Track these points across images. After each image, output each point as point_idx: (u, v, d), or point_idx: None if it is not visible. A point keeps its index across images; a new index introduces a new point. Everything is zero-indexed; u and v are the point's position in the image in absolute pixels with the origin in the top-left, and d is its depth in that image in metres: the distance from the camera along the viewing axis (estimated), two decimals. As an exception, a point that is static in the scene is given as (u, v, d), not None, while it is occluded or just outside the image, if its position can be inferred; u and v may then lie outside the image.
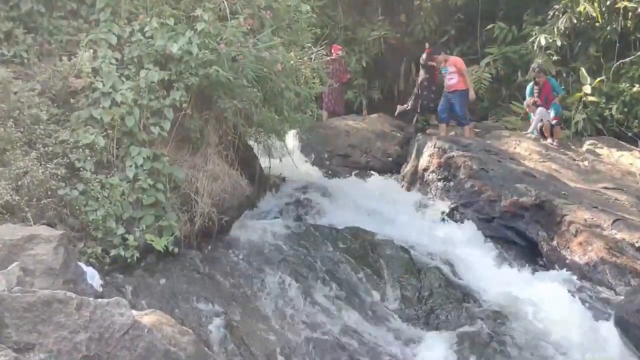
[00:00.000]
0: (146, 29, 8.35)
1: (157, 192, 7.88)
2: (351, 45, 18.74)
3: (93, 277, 6.77)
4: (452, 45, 17.79)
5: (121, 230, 7.53)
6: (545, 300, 8.51)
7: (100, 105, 7.82)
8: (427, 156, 12.66)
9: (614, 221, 9.71)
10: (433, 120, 16.31)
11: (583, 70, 14.80)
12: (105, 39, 8.23)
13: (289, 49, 10.34)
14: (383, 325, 7.86)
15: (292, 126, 11.41)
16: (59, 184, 7.23)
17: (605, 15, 14.83)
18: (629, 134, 14.28)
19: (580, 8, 14.68)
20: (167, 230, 7.90)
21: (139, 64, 8.27)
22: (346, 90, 17.92)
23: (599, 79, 14.75)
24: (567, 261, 9.65)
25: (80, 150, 7.54)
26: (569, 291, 8.80)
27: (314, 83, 11.27)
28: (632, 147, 13.65)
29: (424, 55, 15.86)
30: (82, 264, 6.78)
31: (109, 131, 7.81)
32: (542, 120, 13.79)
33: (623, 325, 7.64)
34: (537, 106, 13.86)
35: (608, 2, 14.70)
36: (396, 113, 16.53)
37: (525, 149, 13.22)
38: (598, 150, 13.43)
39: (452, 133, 14.69)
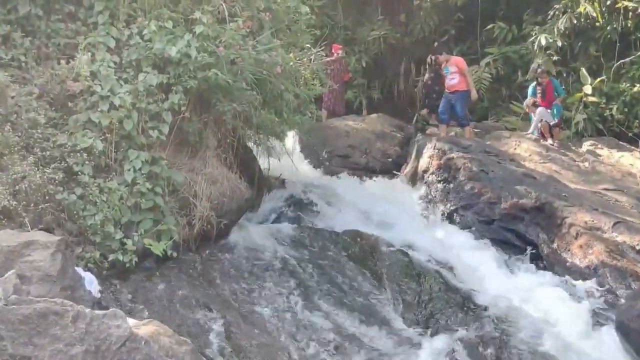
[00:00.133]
0: (144, 32, 8.33)
1: (156, 196, 7.87)
2: (351, 45, 18.66)
3: (91, 282, 6.74)
4: (452, 45, 17.69)
5: (119, 235, 7.53)
6: (545, 304, 8.51)
7: (99, 109, 7.82)
8: (427, 157, 12.61)
9: (615, 224, 9.67)
10: (433, 120, 16.29)
11: (583, 70, 14.75)
12: (103, 42, 8.23)
13: (288, 50, 10.31)
14: (383, 330, 7.80)
15: (292, 128, 11.36)
16: (57, 189, 7.23)
17: (606, 15, 14.78)
18: (630, 134, 14.23)
19: (581, 8, 14.63)
20: (165, 235, 7.90)
21: (137, 68, 8.26)
22: (346, 90, 17.87)
23: (599, 79, 14.70)
24: (567, 264, 9.60)
25: (78, 154, 7.54)
26: (570, 294, 8.77)
27: (313, 85, 11.23)
28: (633, 147, 13.61)
29: (432, 55, 15.88)
30: (80, 269, 6.74)
31: (107, 135, 7.81)
32: (542, 120, 13.75)
33: (624, 330, 7.60)
34: (537, 106, 13.82)
35: (608, 2, 14.64)
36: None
37: (525, 149, 13.17)
38: (598, 151, 13.39)
39: (452, 133, 14.64)
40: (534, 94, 13.92)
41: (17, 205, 6.82)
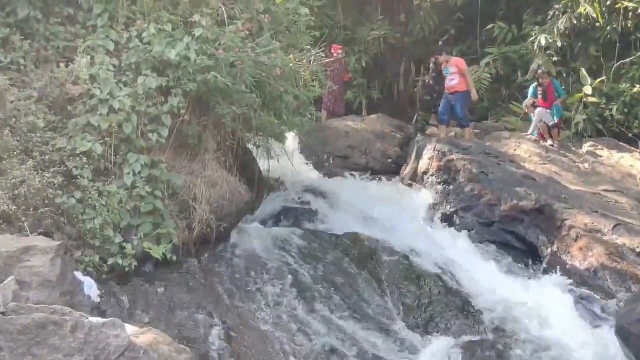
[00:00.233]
0: (144, 35, 8.30)
1: (155, 200, 7.84)
2: (351, 45, 18.65)
3: (90, 287, 6.74)
4: (452, 45, 17.68)
5: (119, 239, 7.51)
6: (545, 307, 8.49)
7: (98, 112, 7.79)
8: (427, 159, 12.59)
9: (615, 226, 9.67)
10: (433, 120, 16.30)
11: (583, 70, 14.74)
12: (102, 45, 8.19)
13: (287, 52, 10.29)
14: (383, 334, 7.81)
15: (292, 129, 11.36)
16: (56, 193, 7.21)
17: (606, 15, 14.77)
18: (630, 135, 14.23)
19: (581, 9, 14.61)
20: (165, 238, 7.87)
21: (136, 71, 8.24)
22: (346, 90, 17.86)
23: (599, 79, 14.69)
24: (567, 266, 9.59)
25: (78, 157, 7.51)
26: (570, 298, 8.76)
27: (313, 86, 11.22)
28: (633, 148, 13.61)
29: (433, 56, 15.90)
30: (79, 274, 6.74)
31: (106, 138, 7.78)
32: (541, 121, 13.73)
33: (623, 335, 7.60)
34: (536, 107, 13.80)
35: (608, 3, 14.63)
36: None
37: (525, 151, 13.18)
38: (598, 152, 13.40)
39: (452, 134, 14.64)
40: (535, 94, 13.91)
41: (16, 210, 6.81)
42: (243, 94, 8.64)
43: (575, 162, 12.95)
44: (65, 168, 7.43)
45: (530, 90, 14.13)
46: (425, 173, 12.55)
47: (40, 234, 6.88)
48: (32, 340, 3.88)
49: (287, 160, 11.62)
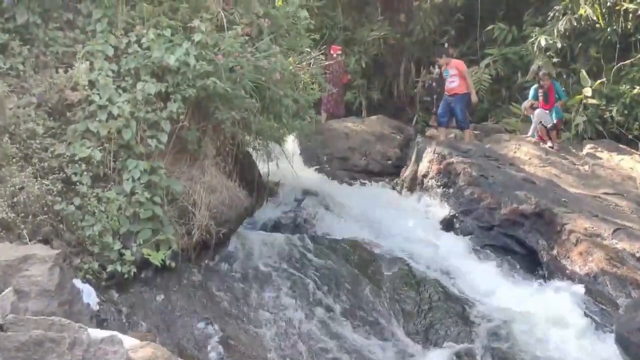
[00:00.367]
0: (143, 40, 8.26)
1: (155, 206, 7.82)
2: (350, 45, 18.66)
3: (89, 294, 6.73)
4: (454, 46, 17.64)
5: (118, 245, 7.49)
6: (545, 313, 8.50)
7: (97, 118, 7.77)
8: (427, 162, 12.57)
9: (615, 230, 9.65)
10: (432, 121, 16.29)
11: (584, 72, 14.71)
12: (102, 50, 8.15)
13: (287, 55, 10.27)
14: (383, 341, 7.82)
15: (291, 132, 11.35)
16: (55, 199, 7.19)
17: (606, 16, 14.74)
18: (630, 136, 14.23)
19: (581, 11, 14.58)
20: (164, 244, 7.85)
21: (135, 76, 8.20)
22: (345, 91, 17.84)
23: (599, 81, 14.67)
24: (567, 271, 9.56)
25: (77, 164, 7.51)
26: (569, 303, 8.75)
27: (312, 89, 11.20)
28: (633, 150, 13.58)
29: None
30: (78, 281, 6.74)
31: (105, 144, 7.77)
32: (540, 122, 13.71)
33: (623, 343, 7.57)
34: (534, 109, 13.78)
35: (608, 4, 14.61)
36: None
37: (525, 153, 13.15)
38: (598, 154, 13.36)
39: (452, 135, 14.62)
40: (535, 96, 13.87)
41: (15, 217, 6.80)
42: (242, 98, 8.61)
43: (575, 164, 12.93)
44: (64, 174, 7.42)
45: (531, 92, 14.09)
46: (425, 176, 12.54)
47: (39, 241, 6.88)
48: (30, 357, 3.85)
49: (287, 162, 11.59)
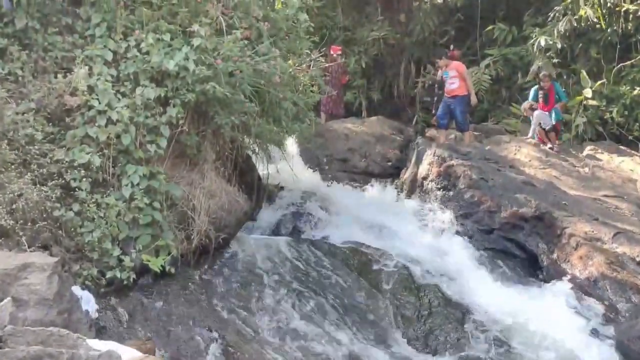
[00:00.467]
0: (142, 44, 8.21)
1: (154, 211, 7.79)
2: (350, 45, 18.63)
3: (88, 301, 6.70)
4: (455, 47, 17.61)
5: (117, 251, 7.46)
6: (545, 318, 8.47)
7: (96, 124, 7.74)
8: (427, 164, 12.53)
9: (615, 234, 9.64)
10: (434, 120, 16.23)
11: (584, 72, 14.68)
12: (101, 55, 8.11)
13: (287, 57, 10.24)
14: (383, 347, 7.80)
15: (291, 135, 11.34)
16: (54, 205, 7.17)
17: (606, 17, 14.72)
18: (630, 137, 14.21)
19: (581, 12, 14.56)
20: (163, 250, 7.83)
21: (135, 81, 8.16)
22: (345, 91, 17.81)
23: (599, 81, 14.64)
24: (567, 275, 9.54)
25: (76, 170, 7.48)
26: (569, 308, 8.75)
27: (312, 92, 11.17)
28: (633, 152, 13.57)
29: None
30: (77, 288, 6.70)
31: (104, 150, 7.73)
32: (539, 123, 13.69)
33: (623, 350, 7.58)
34: (534, 110, 13.76)
35: (609, 4, 14.58)
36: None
37: (525, 154, 13.11)
38: (598, 156, 13.34)
39: (452, 136, 14.58)
40: (536, 97, 13.83)
41: (14, 224, 6.78)
42: (242, 103, 8.59)
43: (575, 166, 12.90)
44: (63, 180, 7.39)
45: (531, 93, 14.04)
46: (424, 178, 12.50)
47: (38, 247, 6.86)
48: (28, 373, 3.85)
49: (287, 164, 11.57)
